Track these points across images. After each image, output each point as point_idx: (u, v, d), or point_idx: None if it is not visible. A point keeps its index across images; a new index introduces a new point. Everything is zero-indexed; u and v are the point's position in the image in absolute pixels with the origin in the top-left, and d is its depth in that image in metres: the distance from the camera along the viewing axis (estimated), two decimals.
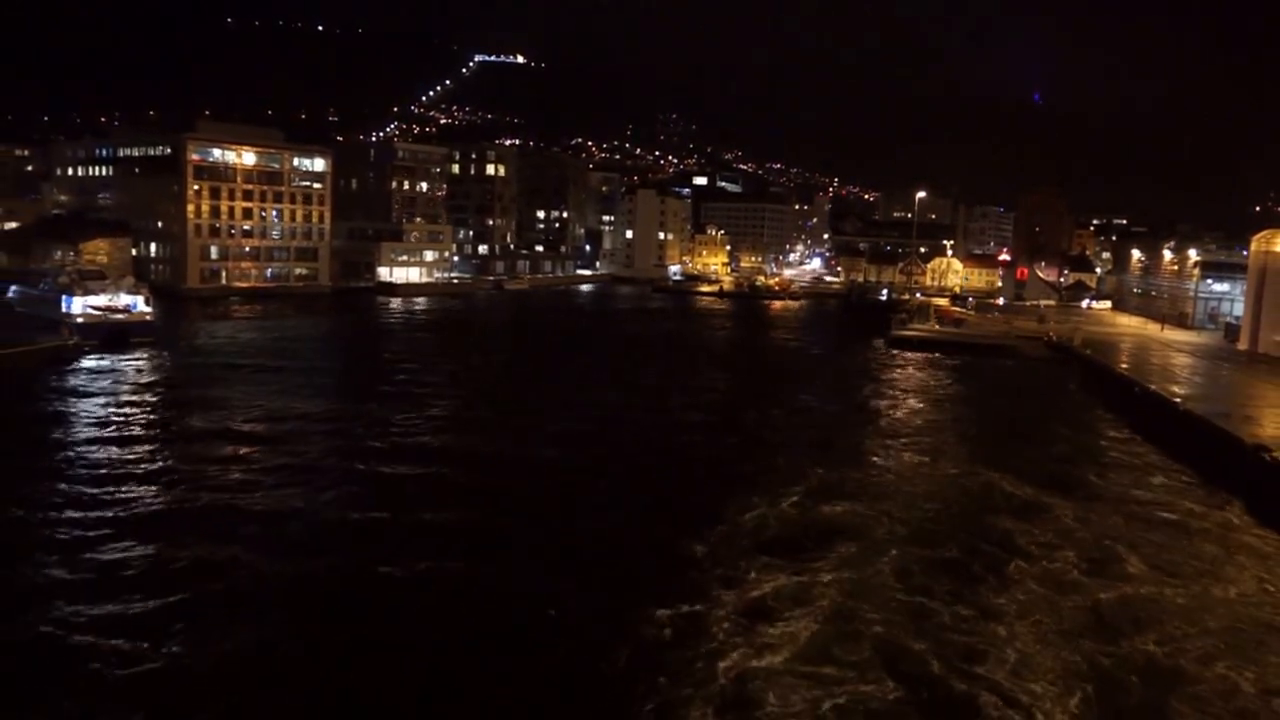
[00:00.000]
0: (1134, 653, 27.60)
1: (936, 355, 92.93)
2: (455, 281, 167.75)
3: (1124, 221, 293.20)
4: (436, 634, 28.05)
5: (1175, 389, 63.18)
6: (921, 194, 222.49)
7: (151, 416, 55.65)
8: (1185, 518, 40.79)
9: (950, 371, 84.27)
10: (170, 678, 24.91)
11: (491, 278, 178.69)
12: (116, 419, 54.06)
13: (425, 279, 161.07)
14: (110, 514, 37.14)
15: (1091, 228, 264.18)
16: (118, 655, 25.65)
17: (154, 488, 40.95)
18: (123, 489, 40.51)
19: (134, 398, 60.69)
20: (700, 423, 59.96)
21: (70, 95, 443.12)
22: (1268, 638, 29.27)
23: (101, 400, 58.75)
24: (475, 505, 40.01)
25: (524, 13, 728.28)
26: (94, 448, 47.33)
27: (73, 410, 55.88)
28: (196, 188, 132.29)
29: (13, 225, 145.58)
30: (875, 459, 50.49)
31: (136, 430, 51.95)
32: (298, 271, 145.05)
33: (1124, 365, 77.45)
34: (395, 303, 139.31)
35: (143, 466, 44.28)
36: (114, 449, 47.08)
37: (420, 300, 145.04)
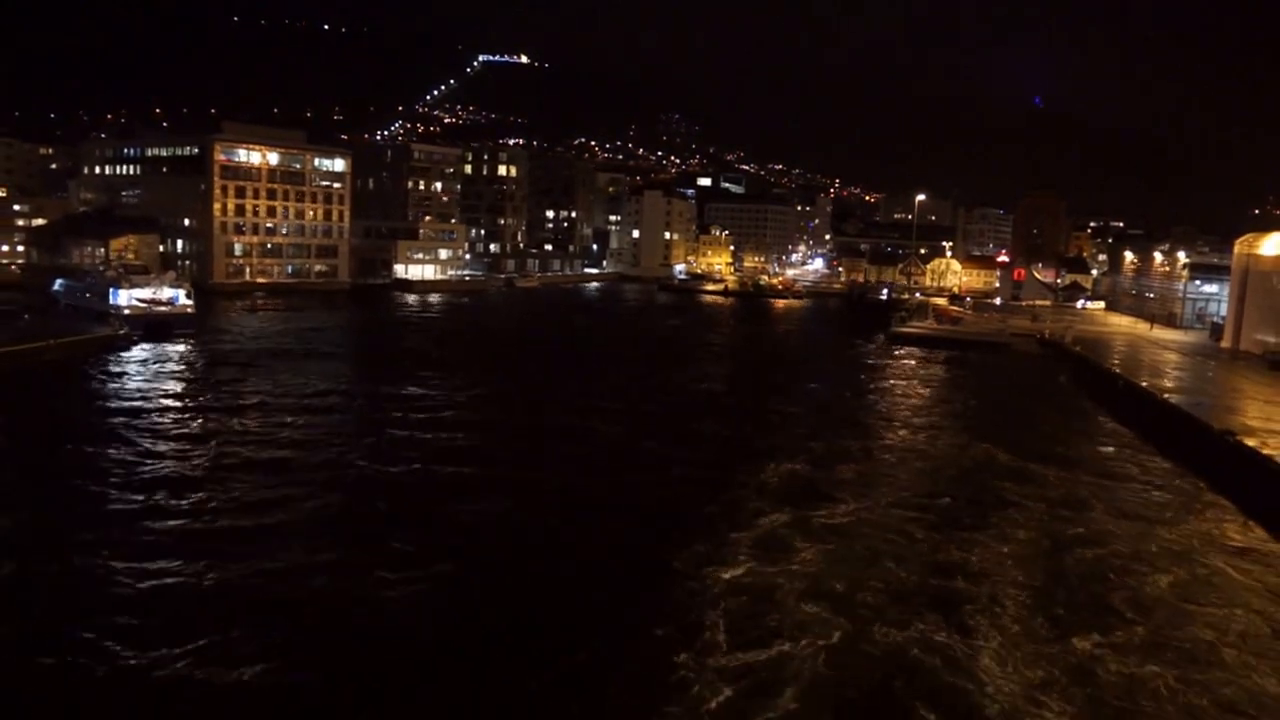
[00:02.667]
0: (1079, 563, 33.85)
1: (934, 351, 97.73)
2: (468, 279, 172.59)
3: (1120, 224, 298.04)
4: (505, 544, 34.23)
5: (1158, 382, 67.70)
6: (921, 196, 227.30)
7: (213, 392, 60.83)
8: (1152, 483, 45.93)
9: (946, 365, 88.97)
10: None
11: (503, 275, 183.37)
12: (185, 395, 59.49)
13: (439, 276, 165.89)
14: (194, 463, 42.32)
15: (1089, 230, 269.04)
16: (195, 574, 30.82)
17: (225, 446, 46.18)
18: (201, 446, 45.81)
19: (195, 378, 65.94)
20: (713, 404, 64.83)
21: (75, 94, 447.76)
22: (1193, 557, 35.11)
23: (163, 381, 63.81)
24: (507, 460, 46.24)
25: (528, 13, 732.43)
26: (167, 417, 52.37)
27: (141, 389, 60.74)
28: (223, 187, 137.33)
29: (40, 222, 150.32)
30: (875, 433, 55.54)
31: (203, 403, 57.18)
32: (317, 268, 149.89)
33: (1111, 360, 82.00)
34: (412, 299, 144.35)
35: (213, 430, 49.63)
36: (188, 418, 52.13)
37: (435, 296, 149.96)
